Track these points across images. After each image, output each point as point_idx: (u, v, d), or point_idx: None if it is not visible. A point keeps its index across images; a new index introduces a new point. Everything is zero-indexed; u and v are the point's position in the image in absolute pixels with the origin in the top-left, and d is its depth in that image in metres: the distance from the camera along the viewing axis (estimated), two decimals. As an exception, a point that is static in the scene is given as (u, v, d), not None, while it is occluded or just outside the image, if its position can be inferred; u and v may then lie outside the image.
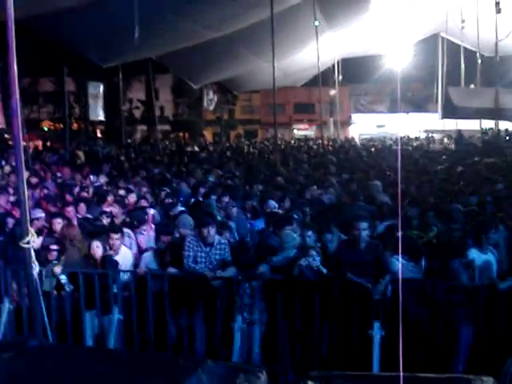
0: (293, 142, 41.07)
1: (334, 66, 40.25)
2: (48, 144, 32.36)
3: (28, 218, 5.88)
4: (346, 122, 58.74)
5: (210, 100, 43.12)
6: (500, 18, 26.54)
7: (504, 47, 30.85)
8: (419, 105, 55.72)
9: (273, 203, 10.34)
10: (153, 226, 9.02)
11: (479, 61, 32.76)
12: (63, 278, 7.13)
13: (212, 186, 12.73)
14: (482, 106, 25.66)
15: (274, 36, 28.10)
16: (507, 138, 28.42)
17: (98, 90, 31.67)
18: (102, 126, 41.54)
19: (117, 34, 19.44)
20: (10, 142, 32.99)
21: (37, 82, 41.25)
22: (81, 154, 22.49)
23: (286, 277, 6.92)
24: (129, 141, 33.70)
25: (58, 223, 8.46)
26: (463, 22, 33.51)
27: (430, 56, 45.66)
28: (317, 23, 28.29)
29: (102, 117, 33.37)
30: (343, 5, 27.83)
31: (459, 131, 29.27)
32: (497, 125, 26.91)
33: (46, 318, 5.41)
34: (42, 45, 25.31)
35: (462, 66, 37.33)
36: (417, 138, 39.23)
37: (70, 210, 9.47)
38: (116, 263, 7.41)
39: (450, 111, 26.85)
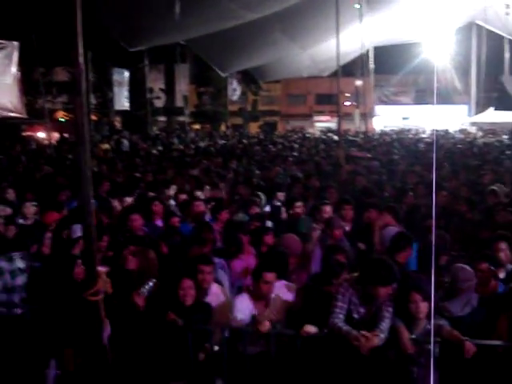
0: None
1: (363, 54, 38.14)
2: (65, 136, 30.26)
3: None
4: (370, 114, 56.94)
5: (234, 90, 41.03)
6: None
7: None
8: (446, 96, 53.37)
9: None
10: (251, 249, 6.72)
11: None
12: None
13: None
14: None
15: (311, 19, 26.43)
16: None
17: (123, 77, 29.50)
18: (119, 116, 39.58)
19: (150, 11, 17.27)
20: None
21: (51, 72, 39.28)
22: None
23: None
24: (157, 132, 31.55)
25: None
26: (507, 7, 31.27)
27: (459, 46, 43.40)
28: (357, 6, 26.98)
29: (126, 106, 31.19)
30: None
31: (517, 123, 27.01)
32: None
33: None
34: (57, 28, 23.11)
35: (507, 55, 35.14)
36: (461, 131, 36.55)
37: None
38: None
39: (506, 102, 24.52)
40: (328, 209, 8.08)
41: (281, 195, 10.00)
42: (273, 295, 5.57)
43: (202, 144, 26.96)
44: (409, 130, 40.57)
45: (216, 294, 5.71)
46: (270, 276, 5.47)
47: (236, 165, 15.36)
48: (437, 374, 4.95)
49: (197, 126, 45.89)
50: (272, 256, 5.94)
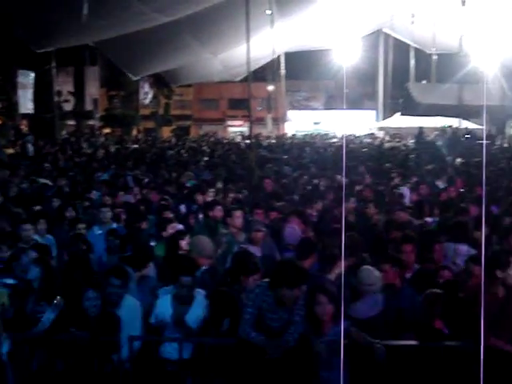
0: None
1: (274, 60, 38.55)
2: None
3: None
4: (282, 119, 57.55)
5: (146, 93, 40.42)
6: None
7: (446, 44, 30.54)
8: (355, 102, 54.90)
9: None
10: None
11: (434, 57, 31.97)
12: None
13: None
14: (446, 102, 24.41)
15: (222, 24, 26.45)
16: (466, 136, 27.29)
17: (28, 79, 28.33)
18: (26, 120, 38.06)
19: (57, 11, 16.77)
20: None
21: None
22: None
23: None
24: (66, 136, 30.47)
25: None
26: (413, 16, 32.57)
27: (367, 53, 44.80)
28: (269, 12, 27.13)
29: (31, 109, 29.95)
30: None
31: (420, 128, 28.01)
32: (459, 122, 25.86)
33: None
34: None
35: (412, 62, 36.84)
36: (368, 135, 37.64)
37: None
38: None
39: (411, 108, 25.47)
40: (239, 214, 8.04)
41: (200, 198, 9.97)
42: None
43: (112, 148, 26.34)
44: (324, 135, 41.13)
45: (128, 306, 5.54)
46: (187, 280, 5.39)
47: (144, 170, 15.11)
48: (347, 376, 4.98)
49: (107, 130, 44.90)
50: (187, 261, 5.79)
